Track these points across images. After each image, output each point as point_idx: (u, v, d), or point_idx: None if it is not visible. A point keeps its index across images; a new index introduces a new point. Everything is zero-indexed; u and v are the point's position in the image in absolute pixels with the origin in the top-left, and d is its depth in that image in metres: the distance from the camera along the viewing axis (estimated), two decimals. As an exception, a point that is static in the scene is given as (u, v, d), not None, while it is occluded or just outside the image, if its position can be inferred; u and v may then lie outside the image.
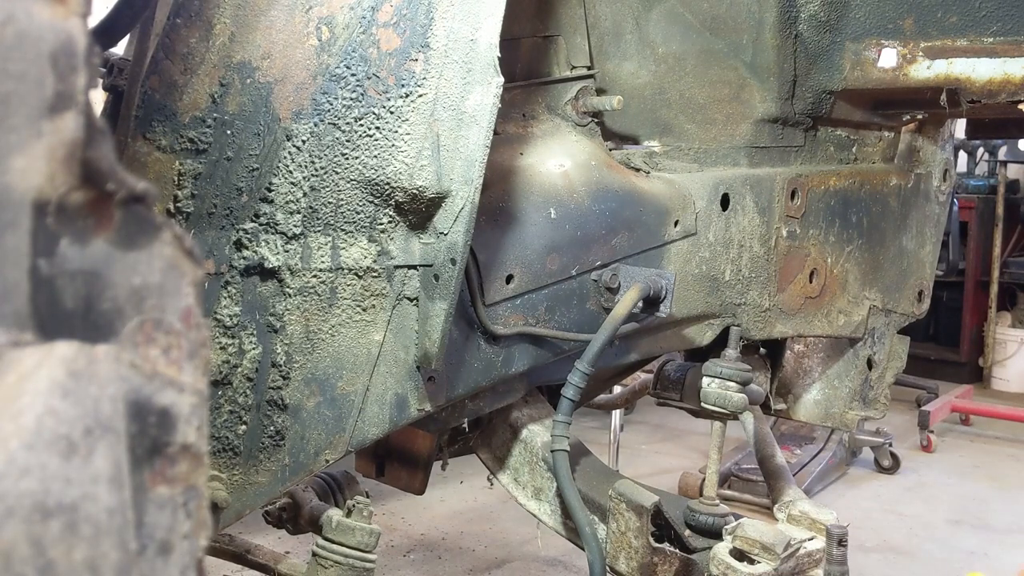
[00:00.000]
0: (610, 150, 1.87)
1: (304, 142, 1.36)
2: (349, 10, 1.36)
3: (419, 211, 1.38)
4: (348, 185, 1.37)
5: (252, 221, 1.36)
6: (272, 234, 1.36)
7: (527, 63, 1.82)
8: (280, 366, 1.38)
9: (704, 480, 1.72)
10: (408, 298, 1.42)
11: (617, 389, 2.69)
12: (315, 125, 1.35)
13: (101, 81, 1.61)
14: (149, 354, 0.55)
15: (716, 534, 1.58)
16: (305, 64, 1.36)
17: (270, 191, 1.36)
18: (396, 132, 1.36)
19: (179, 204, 1.34)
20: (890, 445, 4.75)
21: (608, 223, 1.67)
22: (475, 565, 3.47)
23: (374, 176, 1.36)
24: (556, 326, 1.62)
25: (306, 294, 1.38)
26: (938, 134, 2.25)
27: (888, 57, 1.85)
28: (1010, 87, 1.75)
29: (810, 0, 1.84)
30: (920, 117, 2.16)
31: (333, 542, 1.60)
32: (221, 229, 1.36)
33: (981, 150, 7.28)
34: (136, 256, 0.55)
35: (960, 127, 3.01)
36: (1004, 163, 6.77)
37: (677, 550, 1.59)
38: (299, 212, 1.36)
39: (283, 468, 1.40)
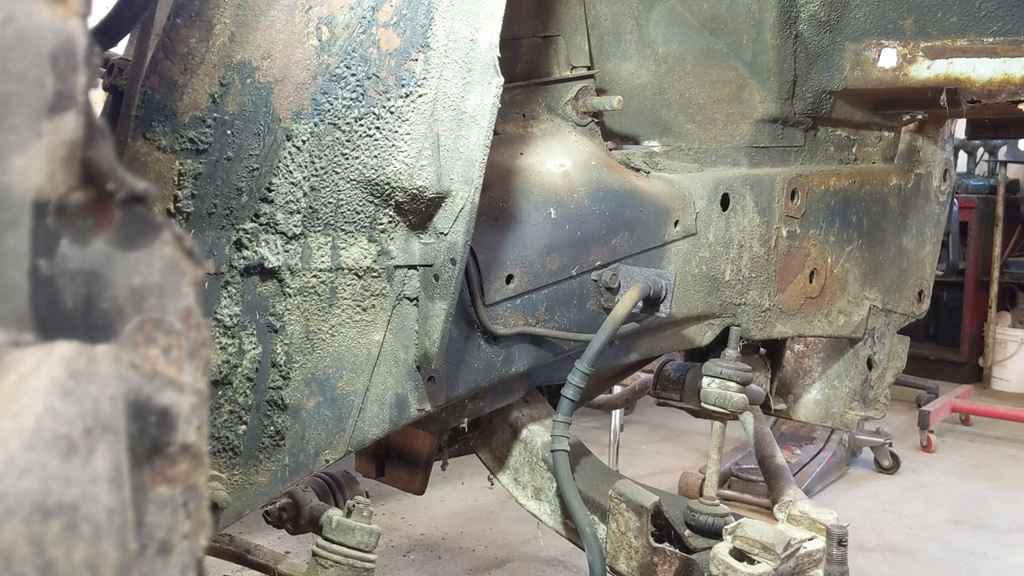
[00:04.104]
0: (610, 150, 1.87)
1: (304, 142, 1.36)
2: (349, 10, 1.36)
3: (419, 211, 1.38)
4: (348, 185, 1.37)
5: (252, 221, 1.36)
6: (272, 234, 1.36)
7: (527, 63, 1.82)
8: (280, 366, 1.38)
9: (704, 480, 1.72)
10: (408, 298, 1.42)
11: (617, 389, 2.69)
12: (315, 125, 1.35)
13: (101, 81, 1.61)
14: (149, 354, 0.55)
15: (716, 534, 1.58)
16: (305, 64, 1.36)
17: (270, 191, 1.36)
18: (396, 132, 1.36)
19: (179, 204, 1.34)
20: (890, 445, 4.75)
21: (608, 223, 1.67)
22: (475, 565, 3.47)
23: (374, 176, 1.36)
24: (556, 326, 1.62)
25: (306, 294, 1.38)
26: (938, 134, 2.25)
27: (888, 57, 1.85)
28: (1010, 87, 1.75)
29: (810, 0, 1.84)
30: (920, 117, 2.16)
31: (333, 542, 1.60)
32: (221, 229, 1.36)
33: (981, 150, 7.28)
34: (136, 256, 0.55)
35: (960, 127, 3.01)
36: (1004, 163, 6.77)
37: (677, 550, 1.59)
38: (299, 212, 1.36)
39: (283, 468, 1.40)
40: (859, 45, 1.88)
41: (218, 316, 1.35)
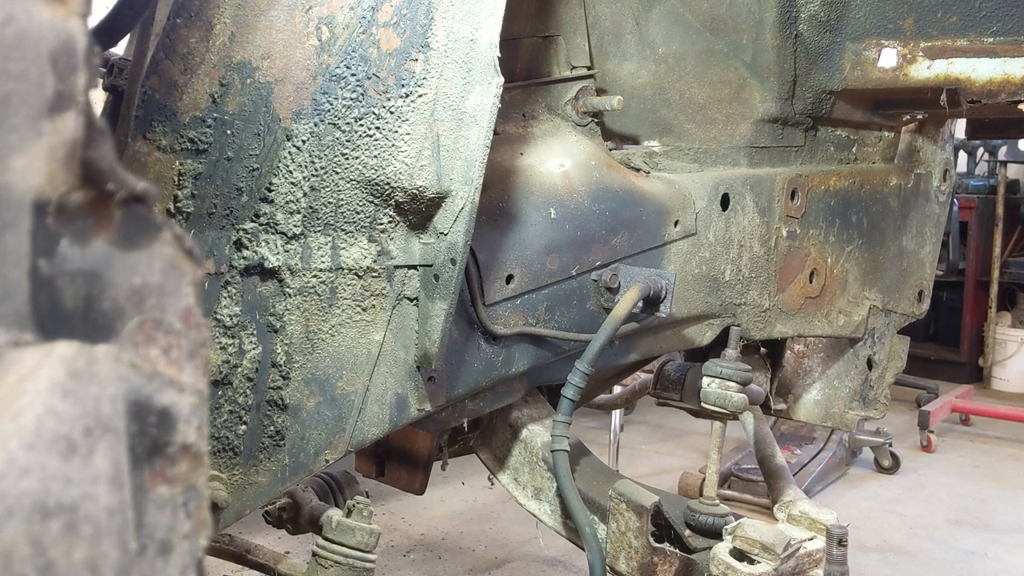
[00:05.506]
0: (610, 150, 1.87)
1: (304, 142, 1.36)
2: (349, 10, 1.36)
3: (419, 211, 1.38)
4: (348, 185, 1.37)
5: (252, 221, 1.36)
6: (272, 234, 1.36)
7: (527, 63, 1.82)
8: (280, 366, 1.38)
9: (704, 480, 1.72)
10: (408, 298, 1.42)
11: (617, 389, 2.69)
12: (315, 125, 1.35)
13: (101, 81, 1.61)
14: (149, 354, 0.55)
15: (716, 534, 1.58)
16: (305, 64, 1.36)
17: (270, 191, 1.36)
18: (396, 132, 1.36)
19: (179, 204, 1.34)
20: (890, 445, 4.75)
21: (608, 223, 1.67)
22: (475, 565, 3.47)
23: (374, 176, 1.36)
24: (556, 326, 1.62)
25: (306, 294, 1.38)
26: (938, 134, 2.25)
27: (888, 57, 1.85)
28: (1010, 87, 1.75)
29: (810, 0, 1.84)
30: (920, 117, 2.16)
31: (333, 542, 1.60)
32: (221, 229, 1.36)
33: (981, 150, 7.28)
34: (136, 256, 0.55)
35: (960, 127, 3.01)
36: (1004, 163, 6.77)
37: (677, 550, 1.59)
38: (299, 212, 1.36)
39: (283, 468, 1.40)
40: (859, 45, 1.88)
41: (218, 316, 1.35)
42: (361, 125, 1.36)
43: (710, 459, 1.69)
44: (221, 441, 1.38)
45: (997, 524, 4.08)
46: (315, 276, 1.38)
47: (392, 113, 1.36)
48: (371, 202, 1.38)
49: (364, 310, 1.41)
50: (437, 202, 1.37)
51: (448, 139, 1.35)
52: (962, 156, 7.31)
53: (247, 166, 1.35)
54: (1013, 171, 7.00)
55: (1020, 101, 1.78)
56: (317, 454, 1.41)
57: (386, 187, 1.36)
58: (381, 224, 1.39)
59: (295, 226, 1.37)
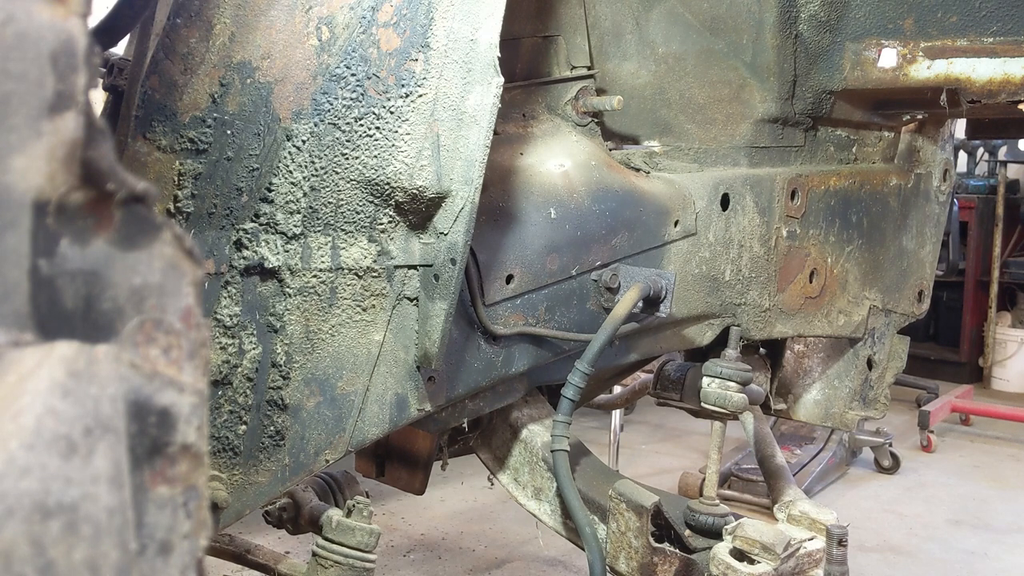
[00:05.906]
0: (610, 150, 1.87)
1: (304, 142, 1.36)
2: (349, 10, 1.36)
3: (419, 211, 1.38)
4: (348, 185, 1.37)
5: (252, 221, 1.36)
6: (272, 234, 1.36)
7: (527, 63, 1.82)
8: (280, 366, 1.38)
9: (704, 480, 1.72)
10: (408, 298, 1.42)
11: (617, 389, 2.69)
12: (315, 125, 1.35)
13: (101, 81, 1.61)
14: (149, 354, 0.55)
15: (716, 534, 1.58)
16: (305, 64, 1.36)
17: (270, 191, 1.36)
18: (396, 132, 1.36)
19: (179, 204, 1.34)
20: (890, 445, 4.75)
21: (608, 223, 1.67)
22: (475, 565, 3.47)
23: (374, 176, 1.36)
24: (556, 326, 1.62)
25: (306, 294, 1.38)
26: (938, 134, 2.25)
27: (888, 57, 1.85)
28: (1010, 87, 1.75)
29: (810, 0, 1.84)
30: (920, 117, 2.16)
31: (333, 542, 1.60)
32: (221, 229, 1.36)
33: (981, 150, 7.28)
34: (136, 256, 0.55)
35: (960, 127, 3.01)
36: (1004, 163, 6.77)
37: (677, 550, 1.59)
38: (299, 212, 1.36)
39: (283, 468, 1.40)
40: (859, 45, 1.88)
41: (218, 316, 1.35)
42: (361, 125, 1.36)
43: (710, 459, 1.69)
44: (221, 441, 1.38)
45: (997, 524, 4.08)
46: (315, 276, 1.38)
47: (392, 113, 1.36)
48: (371, 202, 1.38)
49: (364, 310, 1.41)
50: (437, 202, 1.37)
51: (448, 139, 1.35)
52: (962, 156, 7.31)
53: (247, 166, 1.35)
54: (1013, 171, 7.00)
55: (1020, 101, 1.78)
56: (317, 454, 1.41)
57: (386, 187, 1.36)
58: (381, 224, 1.39)
59: (295, 226, 1.37)
